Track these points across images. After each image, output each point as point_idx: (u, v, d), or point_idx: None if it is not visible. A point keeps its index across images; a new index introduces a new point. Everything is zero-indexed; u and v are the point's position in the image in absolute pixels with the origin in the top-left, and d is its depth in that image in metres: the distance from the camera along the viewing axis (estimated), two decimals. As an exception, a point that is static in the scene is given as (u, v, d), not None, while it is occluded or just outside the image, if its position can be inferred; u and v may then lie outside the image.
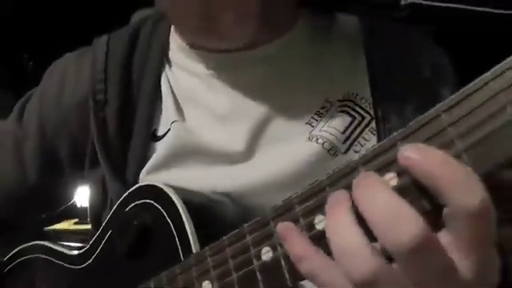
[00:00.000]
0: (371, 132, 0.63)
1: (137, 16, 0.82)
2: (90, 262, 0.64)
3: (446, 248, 0.35)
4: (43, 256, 0.72)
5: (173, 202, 0.55)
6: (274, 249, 0.44)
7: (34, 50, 2.57)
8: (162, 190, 0.58)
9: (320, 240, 0.40)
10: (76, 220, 1.99)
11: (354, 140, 0.63)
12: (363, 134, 0.63)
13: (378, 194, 0.36)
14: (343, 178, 0.40)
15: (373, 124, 0.63)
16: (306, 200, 0.42)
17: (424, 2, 0.50)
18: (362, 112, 0.64)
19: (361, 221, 0.37)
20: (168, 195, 0.56)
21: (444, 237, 0.36)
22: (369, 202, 0.36)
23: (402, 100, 0.64)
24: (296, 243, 0.41)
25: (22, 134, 0.77)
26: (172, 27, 0.74)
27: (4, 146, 0.78)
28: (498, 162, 0.34)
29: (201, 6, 0.61)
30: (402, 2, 0.51)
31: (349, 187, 0.39)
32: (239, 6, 0.61)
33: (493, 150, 0.34)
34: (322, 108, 0.65)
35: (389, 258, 0.36)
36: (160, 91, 0.70)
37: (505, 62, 0.35)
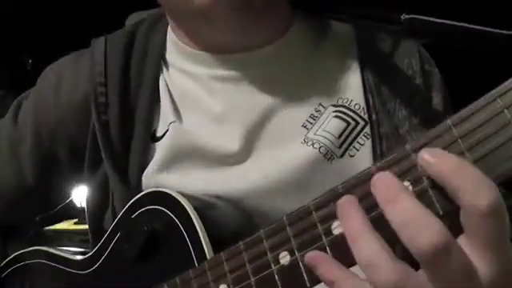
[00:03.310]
0: (365, 137, 0.66)
1: (131, 19, 0.82)
2: (96, 266, 0.65)
3: (465, 250, 0.38)
4: (44, 261, 0.72)
5: (183, 208, 0.57)
6: (291, 253, 0.46)
7: (34, 50, 2.55)
8: (170, 196, 0.59)
9: (339, 245, 0.43)
10: (76, 220, 1.98)
11: (350, 144, 0.65)
12: (358, 139, 0.66)
13: (401, 200, 0.39)
14: (359, 186, 0.43)
15: (367, 129, 0.66)
16: (323, 206, 0.45)
17: (422, 18, 0.53)
18: (356, 117, 0.67)
19: (376, 221, 0.40)
20: (179, 202, 0.58)
21: (462, 239, 0.39)
22: (391, 207, 0.39)
23: (394, 106, 0.67)
24: (327, 271, 0.43)
25: (17, 136, 0.77)
26: (169, 29, 0.75)
27: (0, 150, 0.78)
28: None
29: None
30: (403, 17, 0.53)
31: (364, 195, 0.42)
32: None
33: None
34: (317, 111, 0.67)
35: (411, 261, 0.39)
36: (158, 92, 0.71)
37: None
